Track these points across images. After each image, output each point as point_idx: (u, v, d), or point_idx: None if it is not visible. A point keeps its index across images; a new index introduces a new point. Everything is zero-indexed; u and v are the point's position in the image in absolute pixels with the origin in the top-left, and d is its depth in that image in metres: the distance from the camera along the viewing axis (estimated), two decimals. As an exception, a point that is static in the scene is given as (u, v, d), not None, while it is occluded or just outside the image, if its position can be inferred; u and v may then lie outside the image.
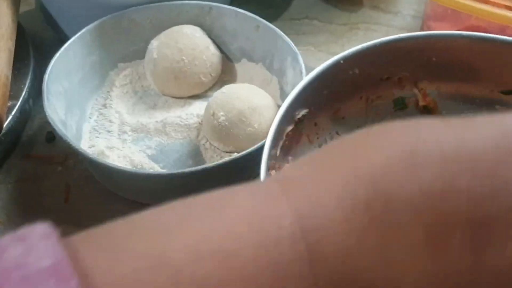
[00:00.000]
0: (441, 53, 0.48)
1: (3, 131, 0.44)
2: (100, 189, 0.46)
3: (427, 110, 0.51)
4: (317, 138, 0.47)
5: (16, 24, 0.51)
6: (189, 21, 0.53)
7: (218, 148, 0.48)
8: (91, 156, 0.42)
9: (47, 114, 0.43)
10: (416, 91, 0.49)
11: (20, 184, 0.47)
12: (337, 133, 0.48)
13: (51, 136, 0.50)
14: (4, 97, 0.44)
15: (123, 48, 0.54)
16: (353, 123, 0.49)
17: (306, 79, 0.41)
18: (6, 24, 0.49)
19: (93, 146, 0.49)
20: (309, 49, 0.59)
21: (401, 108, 0.50)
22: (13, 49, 0.49)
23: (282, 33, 0.50)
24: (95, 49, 0.52)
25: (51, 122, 0.42)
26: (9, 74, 0.46)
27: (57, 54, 0.48)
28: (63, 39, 0.55)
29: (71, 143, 0.42)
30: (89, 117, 0.51)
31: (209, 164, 0.42)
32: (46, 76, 0.46)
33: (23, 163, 0.49)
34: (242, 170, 0.43)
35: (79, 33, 0.50)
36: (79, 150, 0.42)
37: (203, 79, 0.52)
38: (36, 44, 0.56)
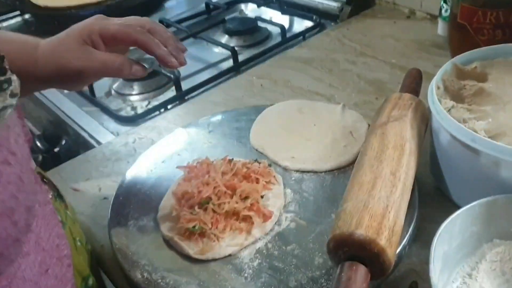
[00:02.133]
0: None
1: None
2: None
3: None
4: None
5: (413, 180, 0.58)
6: None
7: None
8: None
9: (431, 280, 0.47)
10: None
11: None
12: None
13: (415, 286, 0.55)
14: (396, 242, 0.50)
15: (503, 226, 0.56)
16: None
17: None
18: (411, 177, 0.56)
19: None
20: None
21: None
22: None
23: None
24: (479, 221, 0.55)
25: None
26: (402, 222, 0.52)
27: (448, 220, 0.52)
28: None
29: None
30: (452, 281, 0.54)
31: None
32: (435, 240, 0.50)
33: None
34: None
35: (470, 205, 0.54)
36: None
37: None
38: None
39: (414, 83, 0.73)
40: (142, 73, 0.60)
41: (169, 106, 0.97)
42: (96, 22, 0.58)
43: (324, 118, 0.75)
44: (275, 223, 0.60)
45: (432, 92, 0.63)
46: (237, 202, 0.59)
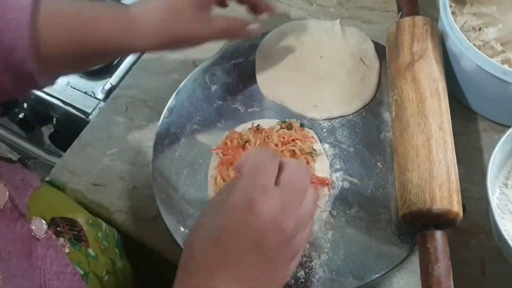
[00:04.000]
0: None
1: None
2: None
3: None
4: None
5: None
6: None
7: None
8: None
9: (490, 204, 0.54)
10: None
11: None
12: None
13: (464, 208, 0.63)
14: (460, 197, 0.56)
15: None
16: None
17: None
18: (450, 120, 0.59)
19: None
20: None
21: None
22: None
23: None
24: (512, 140, 0.61)
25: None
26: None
27: (495, 150, 0.57)
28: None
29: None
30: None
31: None
32: (489, 169, 0.56)
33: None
34: None
35: (509, 132, 0.59)
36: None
37: None
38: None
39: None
40: (257, 33, 0.63)
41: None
42: None
43: (327, 45, 0.72)
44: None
45: (447, 14, 0.62)
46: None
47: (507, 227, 0.59)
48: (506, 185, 0.62)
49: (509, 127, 0.65)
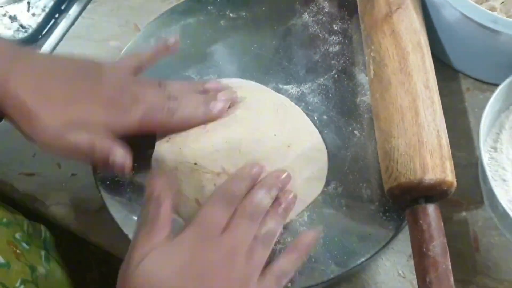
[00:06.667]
0: None
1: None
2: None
3: None
4: None
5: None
6: None
7: None
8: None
9: (484, 167, 0.48)
10: None
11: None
12: None
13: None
14: (452, 165, 0.49)
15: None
16: None
17: None
18: (432, 78, 0.52)
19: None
20: None
21: None
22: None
23: None
24: (502, 98, 0.54)
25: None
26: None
27: (485, 112, 0.51)
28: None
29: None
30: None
31: None
32: (481, 133, 0.50)
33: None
34: None
35: (498, 90, 0.52)
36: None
37: None
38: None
39: None
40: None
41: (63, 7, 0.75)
42: None
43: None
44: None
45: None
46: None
47: (501, 196, 0.53)
48: (495, 148, 0.56)
49: (493, 84, 0.59)
